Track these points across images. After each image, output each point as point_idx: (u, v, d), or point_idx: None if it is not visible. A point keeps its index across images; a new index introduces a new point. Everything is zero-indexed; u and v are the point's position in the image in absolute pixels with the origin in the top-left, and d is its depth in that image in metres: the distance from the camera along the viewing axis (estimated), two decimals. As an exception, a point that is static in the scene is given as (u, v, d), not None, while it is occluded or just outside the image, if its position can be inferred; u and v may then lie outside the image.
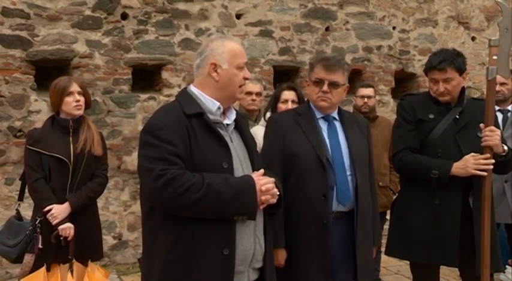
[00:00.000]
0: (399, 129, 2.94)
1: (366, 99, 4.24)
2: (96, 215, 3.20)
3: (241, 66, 2.06)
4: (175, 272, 1.89)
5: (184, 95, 2.08)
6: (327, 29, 5.84)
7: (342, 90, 2.56)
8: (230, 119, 2.10)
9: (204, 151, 1.93)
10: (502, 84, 3.65)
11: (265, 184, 1.94)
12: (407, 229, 2.87)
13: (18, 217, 3.12)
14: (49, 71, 4.85)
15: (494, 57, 2.66)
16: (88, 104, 3.12)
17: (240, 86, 2.08)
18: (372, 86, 4.47)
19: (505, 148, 2.71)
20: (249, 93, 3.82)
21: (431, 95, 2.89)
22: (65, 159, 2.94)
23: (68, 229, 2.90)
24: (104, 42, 5.01)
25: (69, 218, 2.93)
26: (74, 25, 4.92)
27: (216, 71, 2.04)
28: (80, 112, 3.04)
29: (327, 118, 2.59)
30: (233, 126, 2.11)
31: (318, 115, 2.59)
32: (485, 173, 2.64)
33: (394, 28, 6.14)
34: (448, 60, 2.78)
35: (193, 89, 2.08)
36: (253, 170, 2.06)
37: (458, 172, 2.68)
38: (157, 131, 1.91)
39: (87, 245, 3.01)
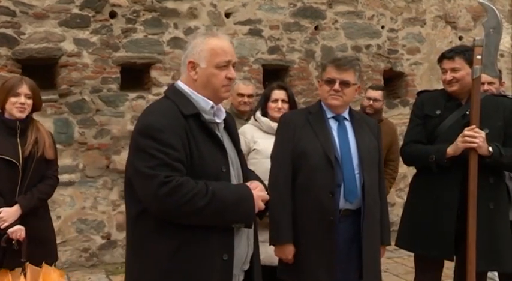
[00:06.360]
0: (409, 125, 3.09)
1: (371, 102, 4.25)
2: (48, 216, 3.10)
3: (222, 65, 1.94)
4: (176, 279, 1.85)
5: (175, 93, 1.98)
6: (316, 28, 5.85)
7: (353, 89, 2.61)
8: (220, 118, 2.03)
9: (204, 155, 1.87)
10: (490, 83, 3.67)
11: (260, 192, 1.95)
12: (411, 221, 3.00)
13: None
14: (36, 70, 4.80)
15: (478, 56, 2.71)
16: (37, 108, 3.01)
17: (224, 86, 1.96)
18: (382, 90, 4.49)
19: (490, 149, 2.72)
20: (241, 95, 3.82)
21: (445, 91, 2.96)
22: (14, 161, 2.84)
23: (18, 231, 2.80)
24: (92, 40, 4.97)
25: (20, 220, 2.83)
26: (61, 23, 4.88)
27: (194, 70, 1.95)
28: (22, 115, 2.90)
29: (338, 118, 2.64)
30: (223, 125, 2.05)
31: (329, 115, 2.64)
32: (474, 145, 2.68)
33: (382, 27, 6.17)
34: (459, 50, 2.90)
35: (182, 86, 1.99)
36: (243, 172, 2.05)
37: (452, 149, 2.76)
38: (158, 134, 1.81)
39: (40, 247, 2.90)
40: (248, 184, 1.97)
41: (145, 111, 1.98)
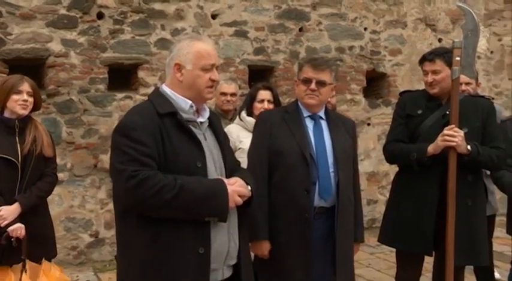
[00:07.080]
0: (392, 124, 3.18)
1: (329, 99, 4.32)
2: (48, 214, 3.14)
3: (207, 68, 2.03)
4: (152, 272, 1.90)
5: (157, 94, 2.07)
6: (300, 29, 5.95)
7: (329, 89, 2.66)
8: (204, 117, 2.10)
9: (178, 150, 1.93)
10: (467, 84, 3.80)
11: (237, 187, 1.98)
12: (392, 218, 3.09)
13: None
14: (23, 70, 4.80)
15: (457, 58, 2.79)
16: (37, 107, 3.06)
17: (207, 87, 2.05)
18: None
19: (469, 148, 2.80)
20: (224, 93, 3.92)
21: (427, 91, 3.04)
22: (13, 159, 2.86)
23: (18, 229, 2.82)
24: (80, 41, 5.00)
25: (20, 218, 2.85)
26: (48, 24, 4.90)
27: (180, 71, 2.03)
28: (25, 112, 2.95)
29: (314, 117, 2.68)
30: (207, 124, 2.12)
31: (305, 114, 2.68)
32: (453, 143, 2.76)
33: (365, 29, 6.29)
34: (439, 53, 2.97)
35: (165, 88, 2.08)
36: (226, 169, 2.08)
37: (432, 148, 2.83)
38: (129, 132, 1.91)
39: (40, 244, 2.94)
40: (227, 179, 2.00)
41: (126, 112, 2.09)
